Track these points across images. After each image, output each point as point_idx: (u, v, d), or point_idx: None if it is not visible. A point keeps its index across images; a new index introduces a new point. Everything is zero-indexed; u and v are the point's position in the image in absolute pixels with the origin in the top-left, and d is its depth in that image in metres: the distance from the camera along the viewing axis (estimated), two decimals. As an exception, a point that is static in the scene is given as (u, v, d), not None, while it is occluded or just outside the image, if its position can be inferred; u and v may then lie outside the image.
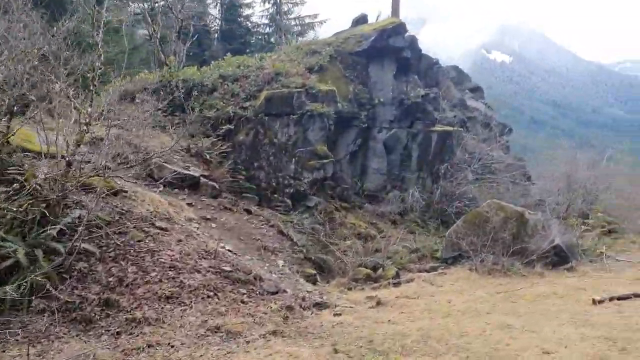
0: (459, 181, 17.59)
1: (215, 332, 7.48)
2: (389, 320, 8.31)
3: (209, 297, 8.45)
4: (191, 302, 8.17)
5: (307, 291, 9.54)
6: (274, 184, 13.52)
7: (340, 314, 8.60)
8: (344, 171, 16.47)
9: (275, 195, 13.45)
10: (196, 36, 23.48)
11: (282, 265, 10.22)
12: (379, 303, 9.23)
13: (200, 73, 15.01)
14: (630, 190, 21.04)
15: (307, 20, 36.85)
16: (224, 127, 13.51)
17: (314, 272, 10.63)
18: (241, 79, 14.78)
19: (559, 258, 12.78)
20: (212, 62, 16.31)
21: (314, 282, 10.38)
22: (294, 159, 13.60)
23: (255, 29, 38.90)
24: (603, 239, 16.30)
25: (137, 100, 14.24)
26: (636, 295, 9.61)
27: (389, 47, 16.97)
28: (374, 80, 17.08)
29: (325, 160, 13.72)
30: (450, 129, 18.37)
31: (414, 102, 17.52)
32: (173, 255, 8.96)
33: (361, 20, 19.90)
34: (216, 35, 37.19)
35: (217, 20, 38.34)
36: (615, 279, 11.67)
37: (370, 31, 17.21)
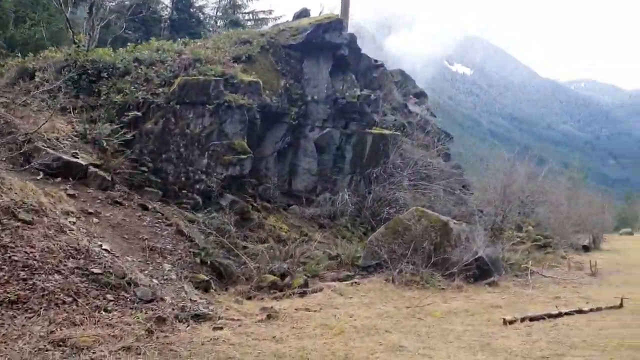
0: (392, 186, 16.83)
1: (59, 345, 6.32)
2: (273, 337, 7.33)
3: (65, 303, 7.25)
4: (41, 308, 6.97)
5: (191, 300, 8.45)
6: (183, 178, 12.38)
7: (221, 328, 7.57)
8: (270, 170, 15.46)
9: (184, 191, 12.30)
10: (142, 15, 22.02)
11: (169, 270, 9.10)
12: (270, 316, 8.24)
13: (114, 55, 13.71)
14: (566, 205, 20.85)
15: (260, 16, 35.67)
16: (130, 113, 12.27)
17: (207, 278, 9.54)
18: (157, 63, 13.57)
19: (481, 271, 12.13)
20: (128, 44, 15.00)
21: (206, 290, 9.30)
22: (207, 153, 12.49)
23: (207, 21, 37.51)
24: (534, 253, 15.87)
25: (36, 79, 12.88)
26: (549, 316, 8.96)
27: (325, 43, 16.08)
28: (308, 77, 16.15)
29: (242, 156, 12.66)
30: (387, 132, 17.62)
31: (350, 102, 16.68)
32: (31, 253, 7.72)
33: (303, 14, 19.00)
34: (166, 24, 35.67)
35: (168, 9, 36.85)
36: (536, 296, 11.08)
37: (307, 25, 16.29)
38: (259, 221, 13.60)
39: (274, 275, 10.76)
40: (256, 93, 13.55)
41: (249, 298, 9.83)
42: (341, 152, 16.76)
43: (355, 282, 11.13)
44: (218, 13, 36.87)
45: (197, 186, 12.40)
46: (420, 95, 23.66)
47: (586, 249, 20.18)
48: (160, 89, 12.88)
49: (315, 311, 8.96)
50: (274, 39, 15.91)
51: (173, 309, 7.88)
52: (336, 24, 16.04)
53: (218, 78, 12.69)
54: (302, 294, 10.13)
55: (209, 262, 10.08)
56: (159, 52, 14.03)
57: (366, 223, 16.48)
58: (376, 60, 22.69)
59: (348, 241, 15.27)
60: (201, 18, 36.90)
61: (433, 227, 12.55)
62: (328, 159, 16.56)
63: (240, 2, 36.07)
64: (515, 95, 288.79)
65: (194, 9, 37.07)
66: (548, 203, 20.00)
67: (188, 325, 7.55)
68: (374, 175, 16.52)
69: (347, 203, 15.94)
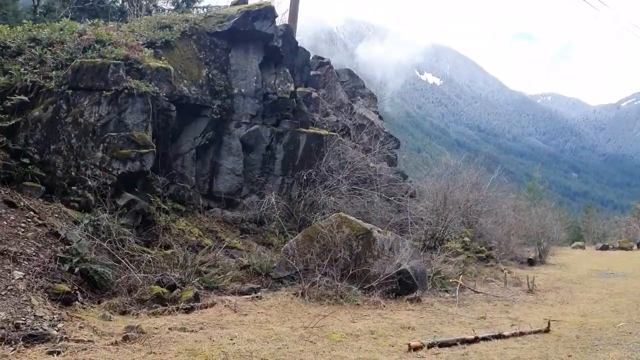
0: (325, 190, 15.62)
1: None
2: (116, 367, 5.98)
3: None
4: None
5: (35, 316, 7.01)
6: (73, 173, 10.88)
7: (58, 353, 6.17)
8: (188, 168, 14.07)
9: (74, 188, 10.81)
10: None
11: (19, 279, 7.62)
12: (127, 338, 6.84)
13: (5, 33, 12.13)
14: (513, 216, 20.02)
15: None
16: (15, 97, 10.73)
17: (70, 289, 8.09)
18: (57, 44, 12.05)
19: (403, 286, 10.98)
20: (24, 21, 13.43)
21: (67, 303, 7.86)
22: (102, 145, 11.01)
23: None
24: (470, 266, 14.83)
25: None
26: (463, 342, 7.81)
27: (254, 32, 14.79)
28: (235, 68, 14.83)
29: (143, 150, 11.22)
30: (323, 132, 16.43)
31: (282, 97, 15.43)
32: None
33: (241, 2, 17.63)
34: (117, 15, 33.85)
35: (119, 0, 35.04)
36: (459, 316, 9.95)
37: (235, 12, 14.98)
38: (165, 224, 12.19)
39: (162, 286, 9.37)
40: (165, 80, 12.16)
41: (124, 313, 8.41)
42: (271, 151, 15.49)
43: (257, 297, 9.83)
44: (171, 6, 35.30)
45: (90, 182, 10.90)
46: (369, 97, 22.58)
47: (531, 262, 19.36)
48: (54, 72, 11.38)
49: (192, 331, 7.61)
50: (198, 26, 14.55)
51: (2, 328, 6.44)
52: (267, 11, 14.76)
53: (118, 61, 11.25)
54: (189, 310, 8.77)
55: (76, 269, 8.63)
56: (61, 32, 12.50)
57: (296, 229, 15.20)
58: (322, 58, 21.58)
59: (274, 248, 14.02)
60: (153, 12, 35.21)
61: (355, 235, 11.36)
62: (256, 158, 15.26)
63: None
64: (483, 106, 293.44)
65: (147, 1, 35.41)
66: (494, 213, 19.11)
67: (14, 349, 6.12)
68: (305, 177, 15.29)
69: (278, 207, 14.64)
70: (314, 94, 19.19)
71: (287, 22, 22.99)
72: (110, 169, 11.04)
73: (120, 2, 34.59)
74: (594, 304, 12.00)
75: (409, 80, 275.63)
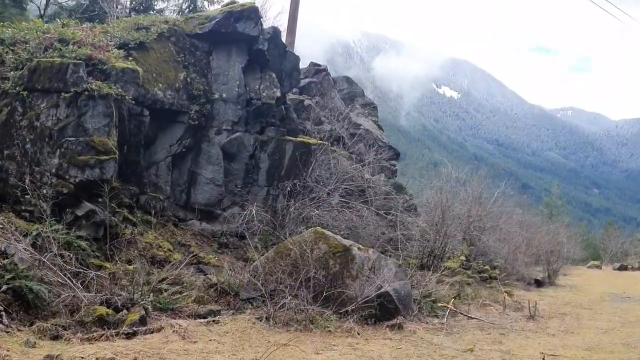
0: (314, 202, 14.60)
1: None
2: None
3: None
4: None
5: None
6: (27, 180, 10.01)
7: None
8: (162, 177, 13.16)
9: (27, 197, 9.94)
10: None
11: None
12: (34, 371, 5.90)
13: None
14: (519, 232, 18.73)
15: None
16: (-35, 99, 9.97)
17: (-9, 310, 7.17)
18: (20, 43, 11.30)
19: (384, 310, 9.87)
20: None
21: (-13, 327, 6.93)
22: (59, 151, 10.17)
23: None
24: (468, 287, 13.63)
25: None
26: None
27: (237, 34, 13.90)
28: (217, 72, 13.95)
29: (104, 157, 10.32)
30: (312, 141, 15.44)
31: (267, 103, 14.48)
32: None
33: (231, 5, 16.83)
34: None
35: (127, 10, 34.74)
36: (443, 347, 8.79)
37: (217, 12, 14.15)
38: (131, 237, 11.26)
39: (108, 307, 8.41)
40: (132, 83, 11.29)
41: (55, 338, 7.44)
42: (255, 160, 14.52)
43: (215, 321, 8.79)
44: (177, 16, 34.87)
45: (45, 191, 10.04)
46: (368, 107, 21.57)
47: (539, 283, 18.01)
48: (12, 73, 10.61)
49: (120, 363, 6.63)
50: (177, 27, 13.71)
51: None
52: (250, 12, 13.86)
53: (78, 61, 10.42)
54: (131, 335, 7.77)
55: (5, 287, 7.70)
56: (27, 31, 11.76)
57: (281, 244, 14.19)
58: (318, 65, 20.70)
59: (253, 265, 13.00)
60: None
61: (332, 253, 10.30)
62: (239, 168, 14.30)
63: (200, 4, 34.11)
64: (502, 120, 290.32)
65: (154, 12, 35.03)
66: (498, 230, 17.85)
67: None
68: (288, 189, 14.28)
69: (254, 219, 13.62)
70: (307, 102, 18.30)
71: (286, 26, 22.33)
72: (67, 177, 10.18)
73: (128, 11, 34.33)
74: (602, 334, 10.73)
75: (425, 93, 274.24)
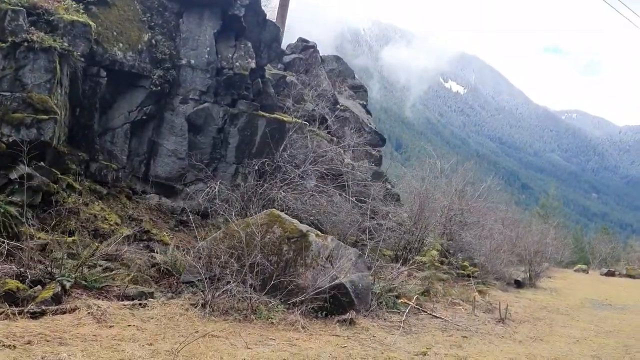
0: (284, 185, 13.70)
1: None
2: None
3: None
4: None
5: None
6: (-46, 137, 9.12)
7: None
8: (118, 145, 12.24)
9: (-46, 155, 9.05)
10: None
11: None
12: None
13: None
14: (500, 230, 17.85)
15: None
16: None
17: None
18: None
19: (337, 303, 9.02)
20: None
21: None
22: (-8, 106, 9.25)
23: None
24: (438, 283, 12.78)
25: None
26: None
27: (212, -4, 12.92)
28: (186, 36, 12.97)
29: (43, 116, 9.41)
30: (287, 118, 14.50)
31: (239, 74, 13.50)
32: None
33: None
34: None
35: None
36: (394, 349, 7.91)
37: (191, -29, 13.12)
38: (73, 207, 10.37)
39: (22, 281, 7.54)
40: (82, 38, 10.32)
41: (-54, 313, 6.61)
42: (224, 135, 13.59)
43: (141, 304, 7.93)
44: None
45: (-25, 150, 9.13)
46: (357, 89, 20.57)
47: (519, 284, 17.18)
48: (-52, 18, 9.63)
49: (9, 347, 5.77)
50: (147, -16, 12.72)
51: None
52: (226, -27, 12.88)
53: (19, 8, 9.45)
54: (38, 315, 6.90)
55: None
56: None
57: (247, 225, 13.30)
58: (306, 41, 19.69)
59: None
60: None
61: (288, 238, 9.43)
62: (205, 141, 13.37)
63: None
64: (506, 119, 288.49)
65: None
66: (480, 226, 16.97)
67: None
68: (256, 167, 13.38)
69: (217, 198, 12.73)
70: (290, 78, 17.31)
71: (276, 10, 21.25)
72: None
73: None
74: (573, 344, 9.87)
75: (432, 86, 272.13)
